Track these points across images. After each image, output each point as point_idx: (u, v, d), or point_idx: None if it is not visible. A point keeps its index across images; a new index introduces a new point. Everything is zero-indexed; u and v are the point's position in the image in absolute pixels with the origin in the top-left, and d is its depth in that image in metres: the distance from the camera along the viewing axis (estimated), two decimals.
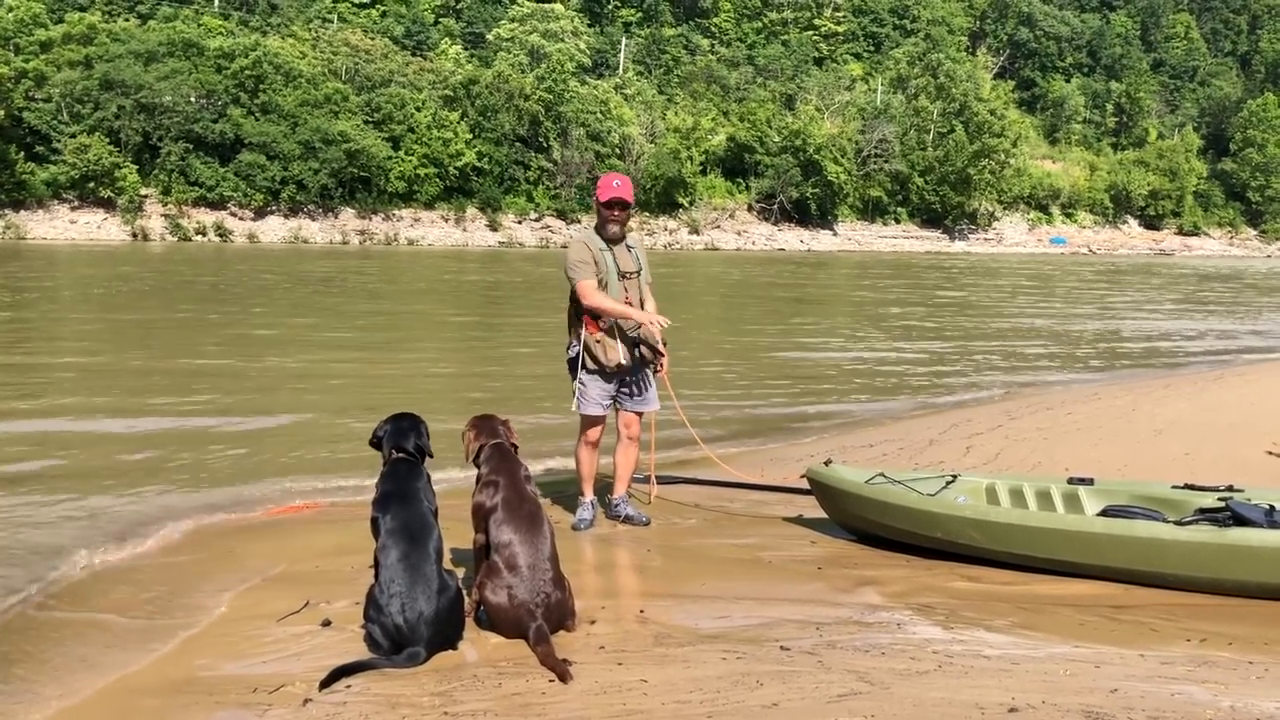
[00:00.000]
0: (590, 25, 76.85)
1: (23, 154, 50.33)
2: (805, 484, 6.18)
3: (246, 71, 55.97)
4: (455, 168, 59.86)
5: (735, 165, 70.37)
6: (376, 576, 4.07)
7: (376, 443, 4.60)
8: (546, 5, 72.34)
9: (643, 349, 5.98)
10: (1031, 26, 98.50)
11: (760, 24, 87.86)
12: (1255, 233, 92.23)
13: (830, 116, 74.19)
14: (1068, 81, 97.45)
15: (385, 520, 4.15)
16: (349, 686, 3.72)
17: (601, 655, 4.02)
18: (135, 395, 10.37)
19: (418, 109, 59.54)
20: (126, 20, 60.83)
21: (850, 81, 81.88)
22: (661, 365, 6.11)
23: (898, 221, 75.38)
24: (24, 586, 4.97)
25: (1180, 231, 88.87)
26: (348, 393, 10.99)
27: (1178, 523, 4.86)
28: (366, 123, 58.15)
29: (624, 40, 78.62)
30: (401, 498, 4.25)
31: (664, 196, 65.19)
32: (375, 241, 56.12)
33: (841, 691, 3.54)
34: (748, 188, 69.81)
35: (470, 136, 60.88)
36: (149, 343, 15.08)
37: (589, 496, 6.12)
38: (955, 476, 5.91)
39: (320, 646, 4.18)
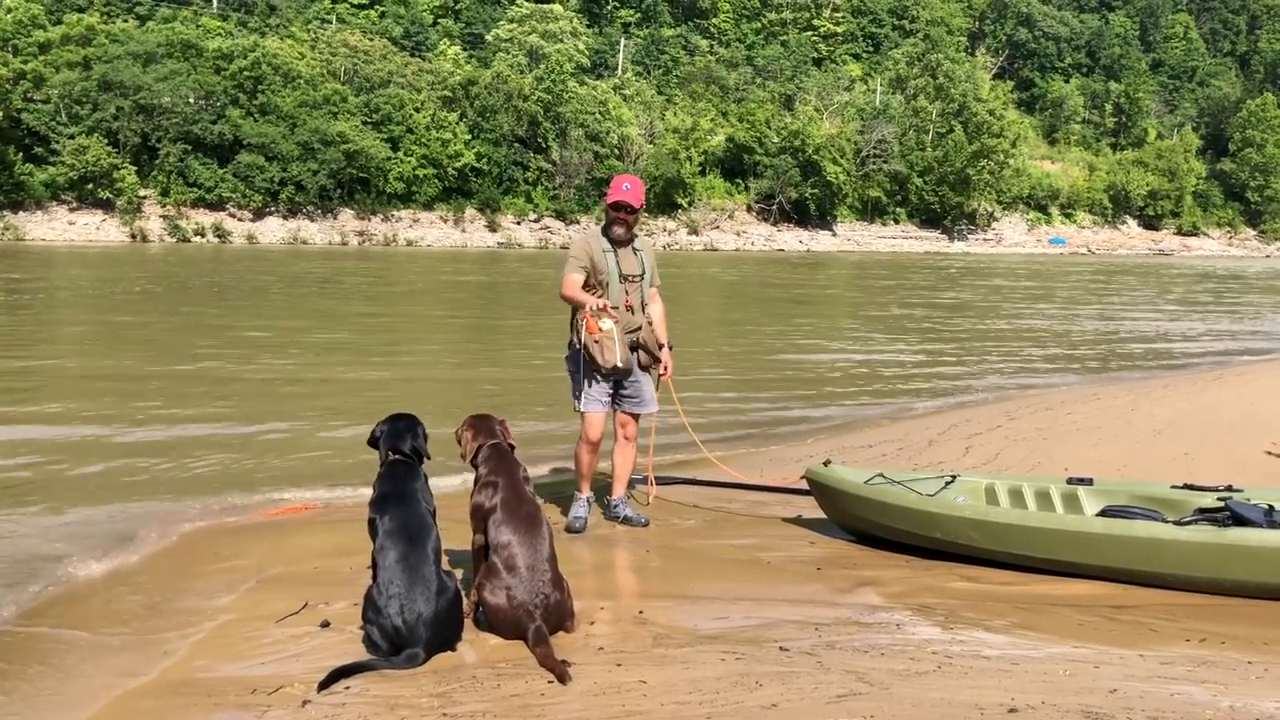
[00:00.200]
0: (589, 26, 76.84)
1: (21, 155, 50.33)
2: (804, 484, 6.18)
3: (245, 72, 55.95)
4: (454, 168, 59.86)
5: (734, 166, 70.38)
6: (375, 578, 4.06)
7: (374, 442, 4.60)
8: (545, 6, 72.33)
9: (641, 353, 5.98)
10: (1030, 27, 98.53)
11: (759, 24, 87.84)
12: (1254, 233, 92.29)
13: (829, 117, 74.20)
14: (1067, 82, 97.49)
15: (383, 521, 4.15)
16: (348, 688, 3.72)
17: (600, 656, 4.02)
18: (127, 400, 10.28)
19: (416, 110, 59.54)
20: (125, 21, 60.78)
21: (849, 82, 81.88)
22: (665, 370, 6.11)
23: (897, 222, 75.39)
24: (18, 597, 4.94)
25: (1179, 232, 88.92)
26: (341, 397, 10.95)
27: (1177, 523, 4.86)
28: (365, 124, 58.14)
29: (623, 41, 78.62)
30: (399, 499, 4.24)
31: (663, 197, 65.17)
32: (374, 242, 56.12)
33: (841, 692, 3.54)
34: (747, 188, 69.82)
35: (469, 137, 60.89)
36: (141, 346, 15.04)
37: (585, 493, 6.12)
38: (954, 477, 5.91)
39: (319, 648, 4.17)
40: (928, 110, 76.01)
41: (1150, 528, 4.89)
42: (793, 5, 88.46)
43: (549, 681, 3.74)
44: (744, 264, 48.32)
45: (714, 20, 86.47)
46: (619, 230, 5.93)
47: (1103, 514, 5.25)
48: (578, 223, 60.20)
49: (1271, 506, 4.83)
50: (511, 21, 70.81)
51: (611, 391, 5.99)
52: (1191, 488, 5.38)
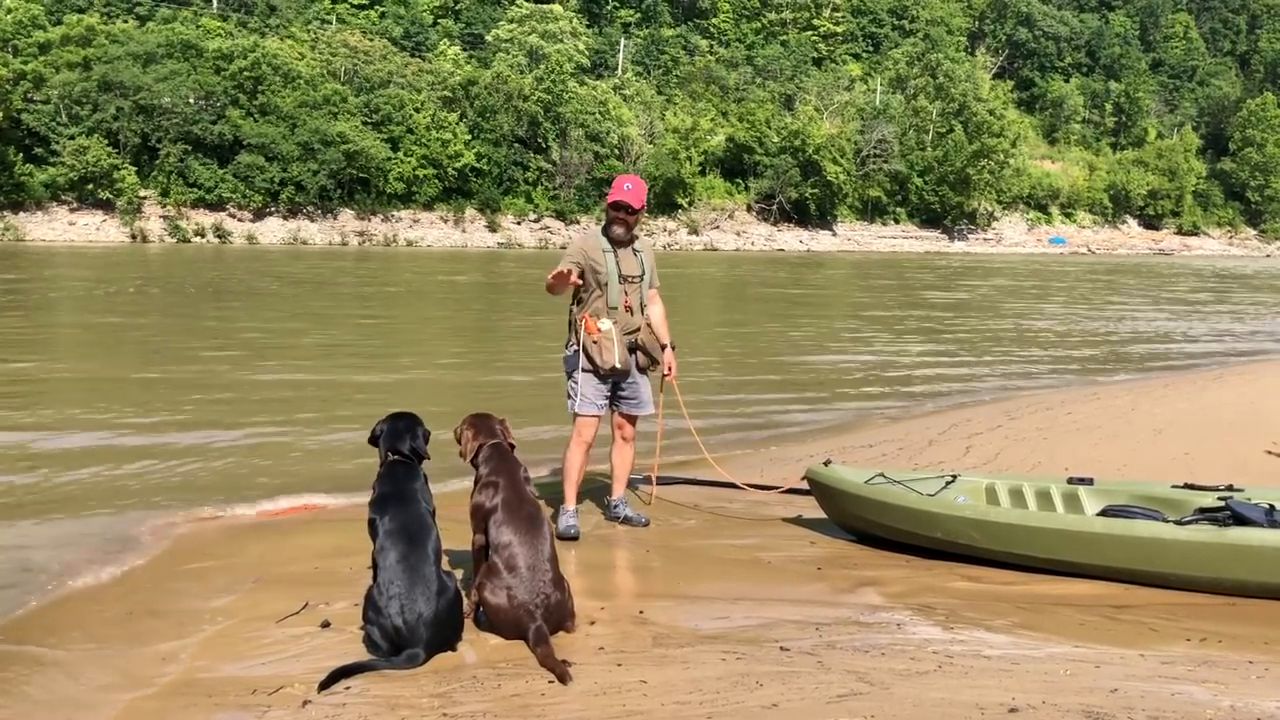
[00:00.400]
0: (589, 26, 76.80)
1: (21, 156, 50.30)
2: (805, 484, 6.17)
3: (245, 73, 55.93)
4: (454, 169, 59.85)
5: (734, 166, 70.36)
6: (375, 578, 4.06)
7: (374, 440, 4.60)
8: (545, 6, 72.30)
9: (640, 354, 5.95)
10: (1030, 26, 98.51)
11: (759, 24, 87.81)
12: (1255, 232, 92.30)
13: (829, 117, 74.17)
14: (1066, 81, 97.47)
15: (383, 522, 4.14)
16: (348, 688, 3.72)
17: (601, 656, 4.02)
18: (124, 405, 10.22)
19: (416, 110, 59.52)
20: (125, 22, 60.74)
21: (849, 82, 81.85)
22: (670, 371, 6.08)
23: (897, 222, 75.37)
24: (19, 601, 4.93)
25: (1179, 231, 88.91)
26: (340, 400, 10.92)
27: (1178, 522, 4.86)
28: (365, 124, 58.12)
29: (623, 41, 78.60)
30: (399, 499, 4.24)
31: (663, 197, 65.14)
32: (374, 243, 56.11)
33: (841, 692, 3.53)
34: (747, 188, 69.81)
35: (469, 137, 60.87)
36: (138, 348, 15.01)
37: (572, 505, 5.95)
38: (955, 476, 5.91)
39: (319, 648, 4.17)
40: (928, 110, 76.00)
41: (1151, 527, 4.89)
42: (792, 5, 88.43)
43: (549, 681, 3.74)
44: (744, 264, 48.33)
45: (714, 20, 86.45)
46: (619, 230, 5.89)
47: (1103, 514, 5.25)
48: (578, 223, 60.17)
49: (1272, 506, 4.83)
50: (511, 22, 70.78)
51: (609, 394, 5.94)
52: (1192, 487, 5.38)
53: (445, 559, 4.41)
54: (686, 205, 66.55)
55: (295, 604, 4.65)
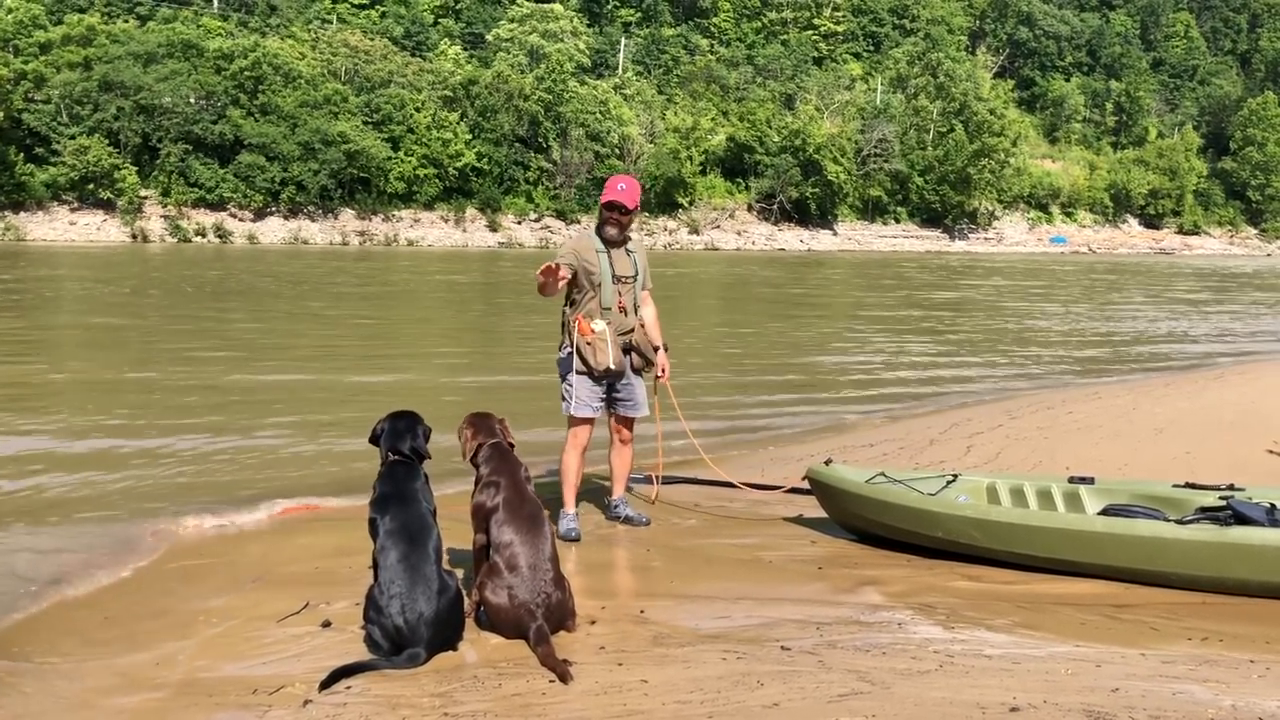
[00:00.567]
0: (589, 25, 76.79)
1: (22, 155, 50.32)
2: (806, 484, 6.17)
3: (246, 72, 55.94)
4: (455, 168, 59.84)
5: (735, 165, 70.34)
6: (376, 577, 4.06)
7: (375, 439, 4.60)
8: (545, 5, 72.28)
9: (634, 355, 5.93)
10: (1031, 26, 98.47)
11: (759, 24, 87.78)
12: (1255, 231, 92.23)
13: (830, 116, 74.15)
14: (1067, 81, 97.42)
15: (384, 521, 4.14)
16: (349, 687, 3.72)
17: (602, 655, 4.02)
18: (121, 408, 10.18)
19: (417, 109, 59.53)
20: (125, 22, 60.76)
21: (850, 81, 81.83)
22: (663, 372, 6.06)
23: (898, 221, 75.35)
24: (21, 602, 4.93)
25: (1180, 230, 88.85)
26: (339, 402, 10.91)
27: (1179, 521, 4.86)
28: (366, 123, 58.13)
29: (623, 40, 78.59)
30: (400, 499, 4.24)
31: (663, 196, 65.16)
32: (375, 242, 56.12)
33: (842, 691, 3.53)
34: (747, 188, 69.78)
35: (470, 137, 60.86)
36: (137, 351, 14.95)
37: (572, 509, 5.93)
38: (956, 476, 5.90)
39: (320, 647, 4.18)
40: (928, 109, 75.96)
41: (1152, 526, 4.89)
42: (793, 4, 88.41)
43: (550, 681, 3.74)
44: (745, 263, 48.32)
45: (714, 20, 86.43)
46: (612, 231, 5.86)
47: (1104, 513, 5.25)
48: (578, 222, 60.15)
49: (1273, 505, 4.83)
50: (512, 21, 70.77)
51: (604, 396, 5.91)
52: (1193, 486, 5.38)
53: (446, 558, 4.41)
54: (687, 205, 66.55)
55: (296, 604, 4.65)
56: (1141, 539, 4.85)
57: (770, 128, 69.42)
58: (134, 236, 51.22)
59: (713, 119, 71.11)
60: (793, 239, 68.67)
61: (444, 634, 4.01)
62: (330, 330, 18.09)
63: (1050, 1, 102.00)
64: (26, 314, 19.69)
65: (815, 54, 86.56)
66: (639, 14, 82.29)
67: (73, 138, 50.75)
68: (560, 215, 62.93)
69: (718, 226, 67.30)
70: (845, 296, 30.50)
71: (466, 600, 4.27)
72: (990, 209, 79.53)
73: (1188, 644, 4.18)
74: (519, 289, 29.12)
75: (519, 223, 62.40)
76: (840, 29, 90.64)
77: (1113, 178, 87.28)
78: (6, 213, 49.62)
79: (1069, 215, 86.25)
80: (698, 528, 6.20)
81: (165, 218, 52.75)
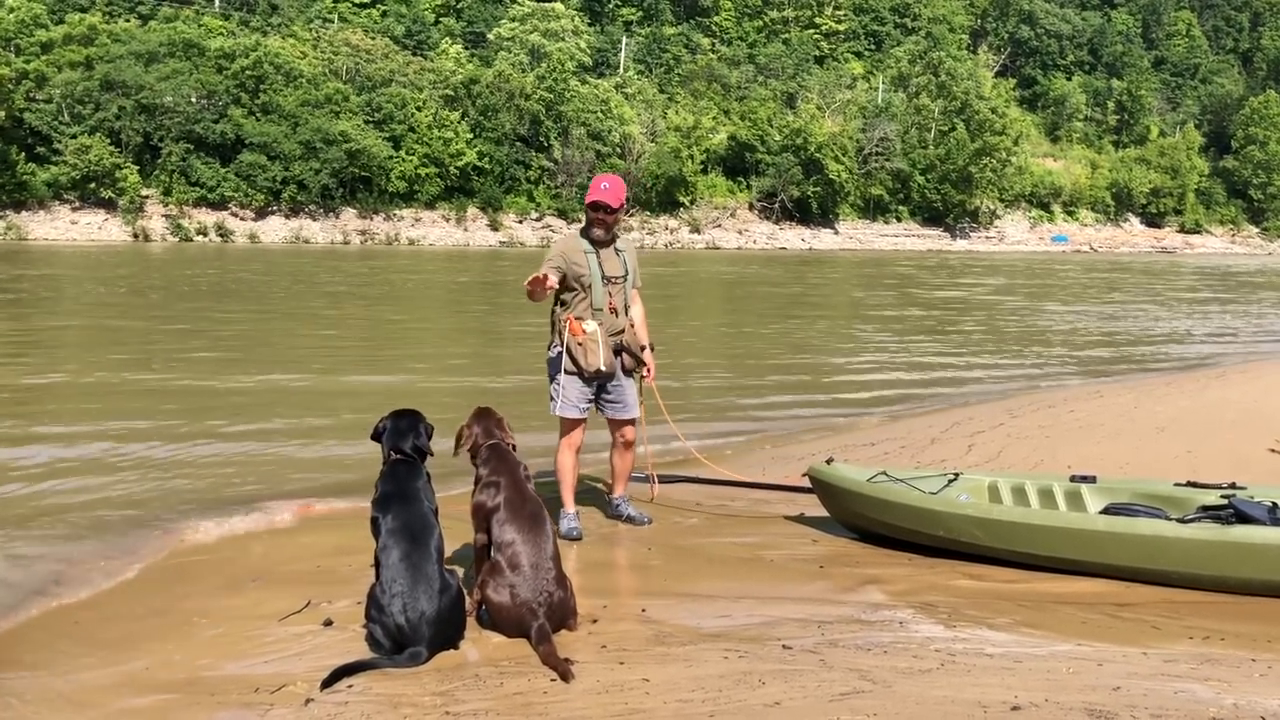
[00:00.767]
0: (591, 24, 76.75)
1: (24, 155, 50.33)
2: (807, 482, 6.17)
3: (247, 72, 55.93)
4: (456, 167, 59.82)
5: (736, 164, 70.29)
6: (378, 576, 4.07)
7: (377, 437, 4.60)
8: (547, 4, 72.24)
9: (624, 356, 5.91)
10: (1032, 24, 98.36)
11: (761, 23, 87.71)
12: (1257, 230, 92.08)
13: (831, 115, 74.09)
14: (1069, 79, 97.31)
15: (386, 520, 4.15)
16: (351, 686, 3.72)
17: (603, 654, 4.02)
18: (119, 410, 10.17)
19: (418, 109, 59.50)
20: (127, 21, 60.78)
21: (851, 80, 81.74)
22: (647, 372, 6.03)
23: (899, 220, 75.29)
24: (23, 602, 4.93)
25: (1182, 229, 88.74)
26: (340, 405, 10.89)
27: (1180, 520, 4.86)
28: (367, 123, 58.10)
29: (624, 39, 78.56)
30: (402, 497, 4.25)
31: (665, 195, 65.11)
32: (376, 241, 56.10)
33: (844, 690, 3.53)
34: (749, 186, 69.74)
35: (471, 136, 60.83)
36: (135, 353, 14.89)
37: (571, 508, 5.93)
38: (957, 475, 5.90)
39: (322, 646, 4.18)
40: (930, 108, 75.88)
41: (1154, 525, 4.89)
42: (794, 3, 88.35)
43: (552, 679, 3.74)
44: (746, 262, 48.31)
45: (716, 18, 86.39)
46: (598, 231, 5.82)
47: (1106, 512, 5.25)
48: (580, 221, 59.83)
49: (1275, 504, 4.83)
50: (513, 20, 70.76)
51: (592, 397, 5.88)
52: (1195, 485, 5.38)
53: (447, 557, 4.41)
54: (688, 204, 66.51)
55: (297, 602, 4.66)
56: (1143, 538, 4.85)
57: (771, 126, 69.37)
58: (135, 236, 51.23)
59: (714, 118, 71.06)
60: (794, 238, 68.63)
61: (446, 633, 4.01)
62: (330, 330, 18.10)
63: (1051, 0, 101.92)
64: (26, 314, 19.70)
65: (817, 53, 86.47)
66: (640, 13, 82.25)
67: (74, 137, 50.76)
68: (562, 214, 62.89)
69: (719, 225, 67.27)
70: (846, 295, 30.49)
71: (468, 599, 4.27)
72: (992, 208, 79.47)
73: (1189, 643, 4.17)
74: (520, 289, 29.13)
75: (520, 222, 62.36)
76: (842, 28, 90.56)
77: (1114, 176, 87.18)
78: (8, 212, 49.63)
79: (1070, 214, 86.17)
80: (699, 526, 6.20)
81: (166, 217, 52.76)
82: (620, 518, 6.16)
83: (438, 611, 3.96)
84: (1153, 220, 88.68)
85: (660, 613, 4.56)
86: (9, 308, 20.36)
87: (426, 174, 59.02)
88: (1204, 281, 40.52)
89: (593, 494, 6.64)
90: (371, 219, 57.63)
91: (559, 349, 5.82)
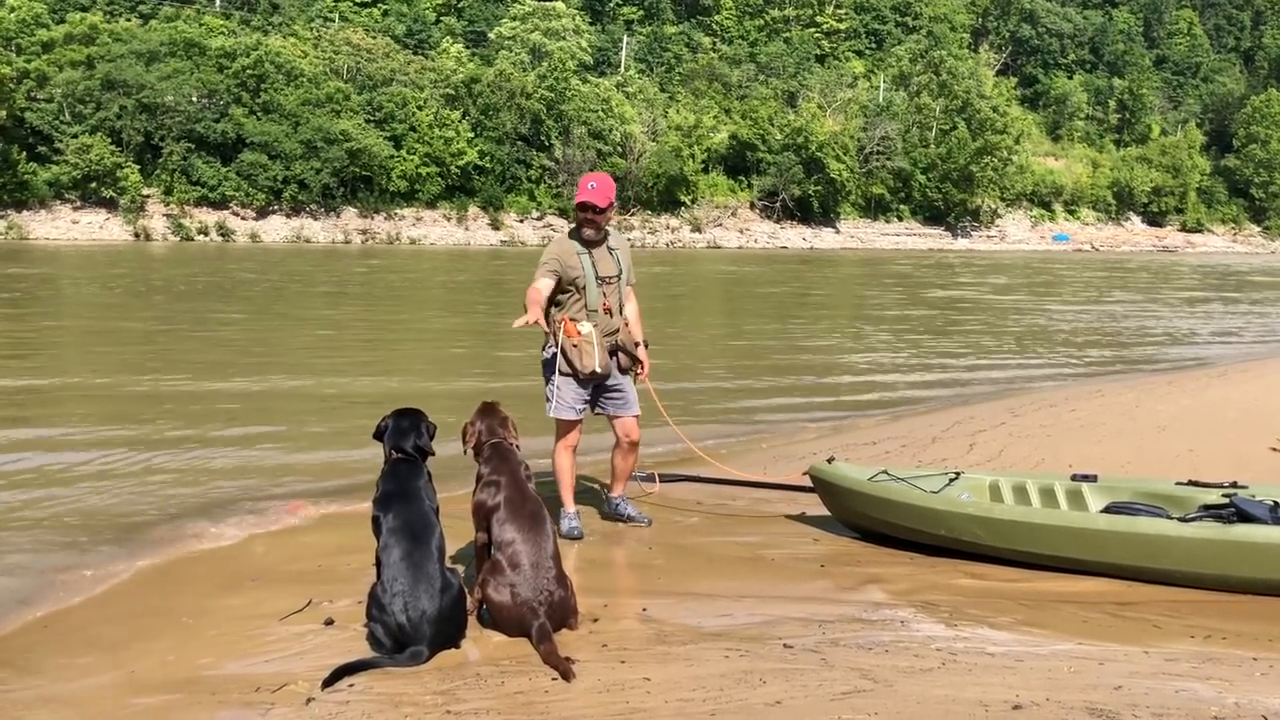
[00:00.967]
0: (592, 23, 76.71)
1: (25, 154, 50.33)
2: (808, 481, 6.17)
3: (248, 71, 55.93)
4: (457, 167, 59.80)
5: (737, 163, 70.27)
6: (379, 575, 4.07)
7: (379, 435, 4.60)
8: (548, 3, 72.21)
9: (620, 356, 5.88)
10: (1034, 23, 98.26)
11: (762, 21, 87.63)
12: (1259, 229, 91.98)
13: (832, 114, 74.05)
14: (1070, 78, 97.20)
15: (387, 519, 4.15)
16: (352, 685, 3.72)
17: (604, 653, 4.02)
18: (118, 412, 10.17)
19: (419, 108, 59.48)
20: (128, 20, 60.76)
21: (852, 79, 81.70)
22: (642, 371, 5.99)
23: (900, 219, 75.26)
24: (24, 603, 4.93)
25: (1183, 228, 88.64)
26: (339, 407, 10.90)
27: (1182, 519, 4.85)
28: (368, 122, 58.08)
29: (625, 38, 78.51)
30: (403, 497, 4.25)
31: (666, 195, 65.09)
32: (377, 241, 56.09)
33: (845, 689, 3.53)
34: (750, 185, 69.71)
35: (472, 135, 60.81)
36: (135, 354, 14.88)
37: (571, 508, 5.91)
38: (958, 474, 5.90)
39: (323, 645, 4.18)
40: (931, 107, 75.84)
41: (1155, 524, 4.89)
42: (795, 2, 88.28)
43: (552, 679, 3.74)
44: (747, 261, 48.29)
45: (717, 17, 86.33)
46: (589, 231, 5.77)
47: (1107, 511, 5.24)
48: None
49: (1276, 503, 4.83)
50: (514, 19, 70.74)
51: (588, 397, 5.85)
52: (1196, 484, 5.38)
53: (448, 557, 4.41)
54: (689, 203, 66.49)
55: (298, 602, 4.66)
56: (1144, 537, 4.85)
57: (773, 125, 69.34)
58: (136, 235, 51.22)
59: (715, 117, 71.02)
60: (795, 237, 68.60)
61: (446, 632, 4.01)
62: (330, 331, 18.10)
63: None
64: (25, 315, 19.70)
65: (818, 51, 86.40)
66: (641, 12, 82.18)
67: (75, 136, 50.76)
68: (563, 213, 62.79)
69: (720, 224, 67.25)
70: (847, 294, 30.48)
71: (469, 598, 4.27)
72: (993, 207, 79.41)
73: (1191, 642, 4.17)
74: (519, 290, 29.12)
75: (521, 221, 62.33)
76: (843, 26, 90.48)
77: (1116, 175, 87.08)
78: (9, 211, 49.63)
79: (1072, 213, 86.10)
80: (699, 526, 6.19)
81: (168, 216, 52.75)
82: (621, 517, 6.15)
83: (439, 610, 3.96)
84: (1154, 219, 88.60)
85: (661, 612, 4.56)
86: (8, 308, 20.36)
87: (427, 173, 59.00)
88: (1205, 281, 40.49)
89: (593, 494, 6.63)
90: (372, 218, 57.61)
91: (554, 349, 5.80)
